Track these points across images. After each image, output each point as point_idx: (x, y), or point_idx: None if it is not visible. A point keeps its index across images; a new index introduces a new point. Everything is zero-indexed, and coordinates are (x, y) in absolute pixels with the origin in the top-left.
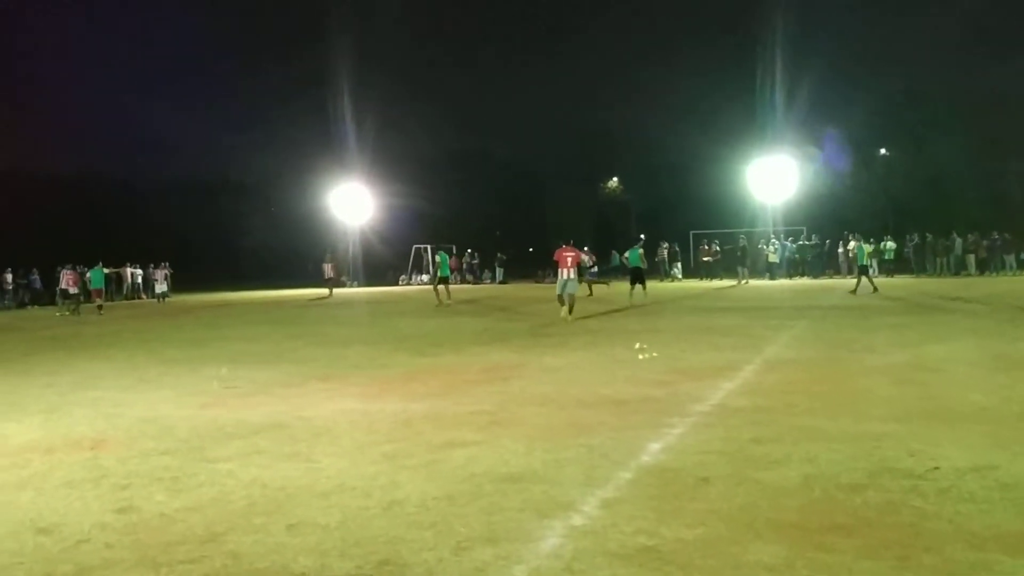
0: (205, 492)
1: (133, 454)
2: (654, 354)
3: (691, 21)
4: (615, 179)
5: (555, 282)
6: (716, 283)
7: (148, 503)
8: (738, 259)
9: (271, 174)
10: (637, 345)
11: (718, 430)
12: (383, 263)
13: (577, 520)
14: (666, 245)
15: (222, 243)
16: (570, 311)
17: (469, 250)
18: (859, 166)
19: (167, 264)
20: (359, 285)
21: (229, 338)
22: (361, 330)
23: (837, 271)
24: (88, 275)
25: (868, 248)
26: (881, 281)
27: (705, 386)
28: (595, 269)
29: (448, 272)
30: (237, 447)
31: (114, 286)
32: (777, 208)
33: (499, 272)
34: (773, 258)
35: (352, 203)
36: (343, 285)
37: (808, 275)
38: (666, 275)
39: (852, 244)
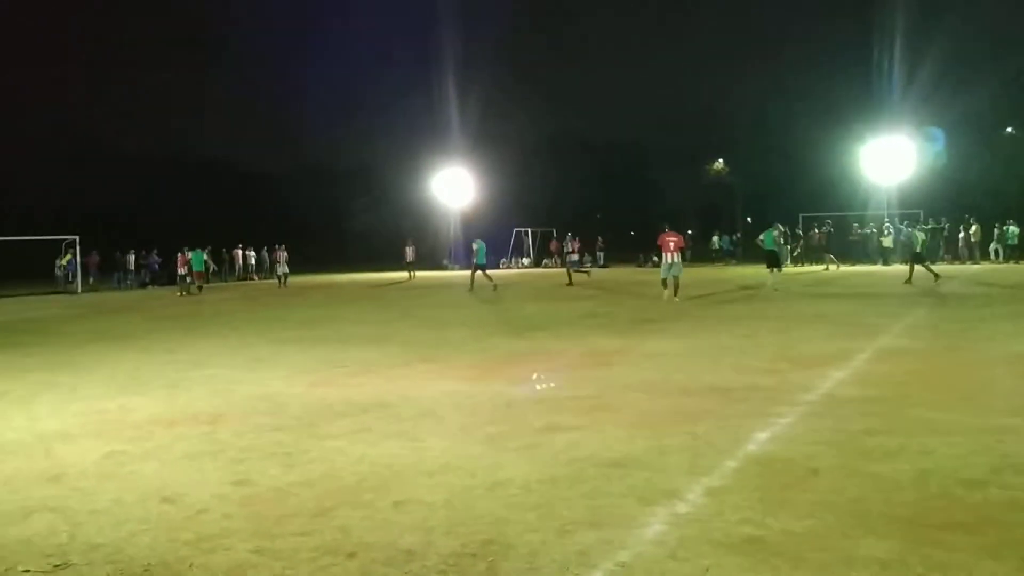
0: (316, 468)
1: (248, 429)
2: (551, 384)
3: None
4: (720, 160)
5: (657, 266)
6: (826, 268)
7: (263, 477)
8: (824, 246)
9: (378, 159)
10: (535, 375)
11: (828, 420)
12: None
13: (681, 508)
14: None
15: (332, 226)
16: (675, 293)
17: (569, 233)
18: (982, 146)
19: (283, 247)
20: (460, 268)
21: (337, 319)
22: (462, 312)
23: (956, 256)
24: (190, 257)
25: (921, 236)
26: (1006, 267)
27: (815, 375)
28: (576, 258)
29: (483, 260)
30: (346, 425)
31: (227, 267)
32: (892, 191)
33: (600, 256)
34: (887, 243)
35: (454, 187)
36: (444, 268)
37: (925, 261)
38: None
39: (973, 228)
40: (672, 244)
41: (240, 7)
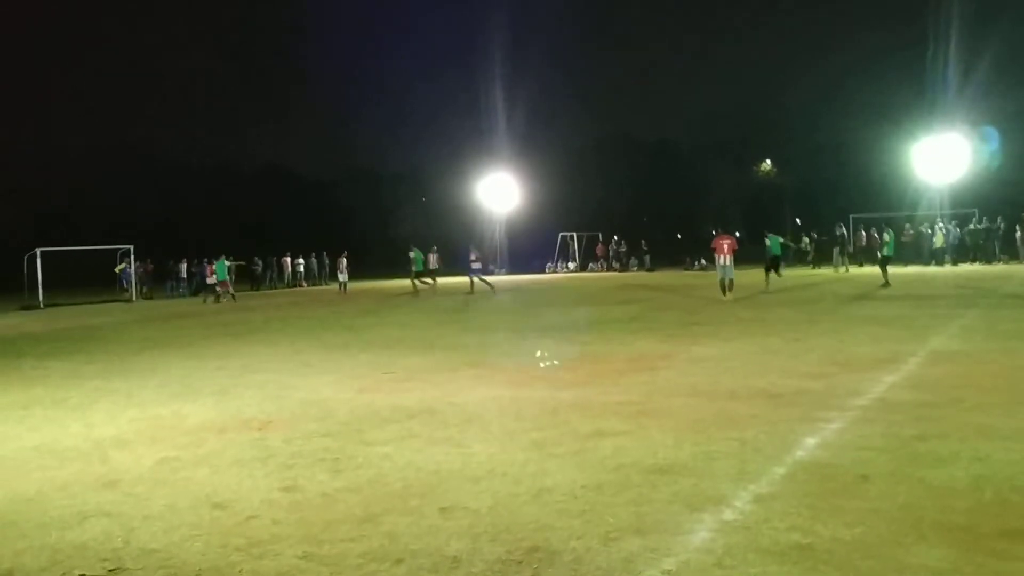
0: (363, 474)
1: (297, 435)
2: (555, 362)
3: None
4: (768, 161)
5: (704, 269)
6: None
7: (311, 483)
8: (835, 247)
9: (425, 165)
10: (539, 353)
11: (879, 426)
12: (528, 251)
13: (728, 514)
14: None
15: (380, 231)
16: (725, 292)
17: (615, 237)
18: None
19: (345, 254)
20: (505, 273)
21: (384, 324)
22: (508, 318)
23: (1014, 256)
24: (214, 267)
25: (940, 233)
26: None
27: (865, 379)
28: (479, 266)
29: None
30: (393, 431)
31: (275, 274)
32: (944, 190)
33: (646, 259)
34: (939, 243)
35: (499, 192)
36: (490, 273)
37: (980, 260)
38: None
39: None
40: (727, 247)
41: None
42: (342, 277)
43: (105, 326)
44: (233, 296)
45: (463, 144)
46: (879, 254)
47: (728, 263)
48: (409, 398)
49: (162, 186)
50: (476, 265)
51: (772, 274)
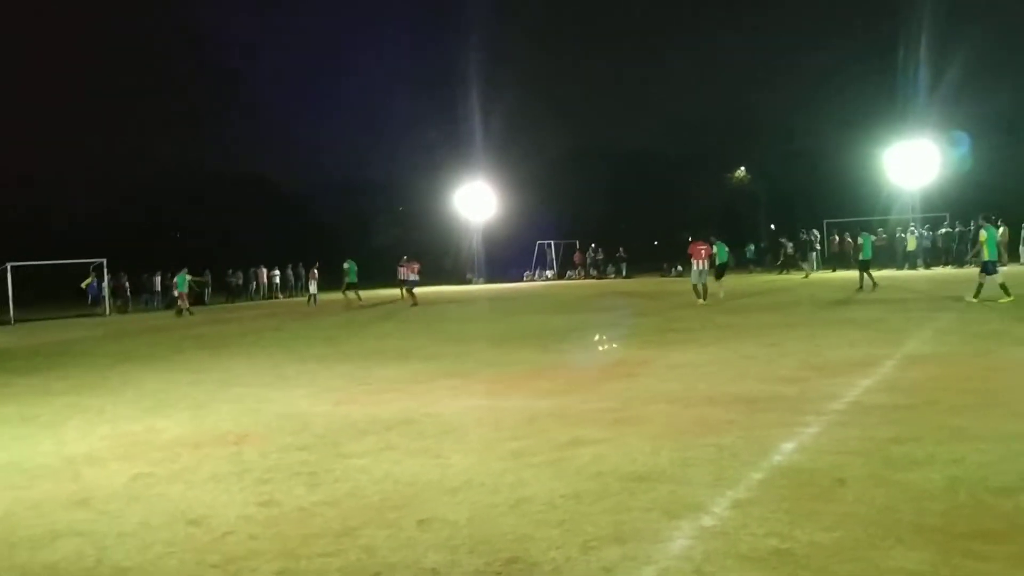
0: (340, 487)
1: (273, 449)
2: (613, 345)
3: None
4: (742, 168)
5: (681, 275)
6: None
7: (288, 497)
8: (801, 253)
9: (402, 175)
10: (597, 337)
11: (855, 429)
12: (506, 259)
13: (707, 521)
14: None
15: (357, 241)
16: (705, 297)
17: (593, 244)
18: (1008, 148)
19: (316, 266)
20: (483, 281)
21: (362, 336)
22: (486, 327)
23: None
24: (175, 280)
25: (912, 237)
26: None
27: (841, 383)
28: (415, 278)
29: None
30: (370, 443)
31: (253, 285)
32: (916, 195)
33: (622, 266)
34: (912, 246)
35: (476, 201)
36: (468, 282)
37: (952, 264)
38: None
39: (1001, 230)
40: (703, 252)
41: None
42: (312, 289)
43: (77, 341)
44: (190, 311)
45: (440, 153)
46: (857, 258)
47: (704, 268)
48: (386, 409)
49: (136, 197)
50: (412, 277)
51: (723, 280)
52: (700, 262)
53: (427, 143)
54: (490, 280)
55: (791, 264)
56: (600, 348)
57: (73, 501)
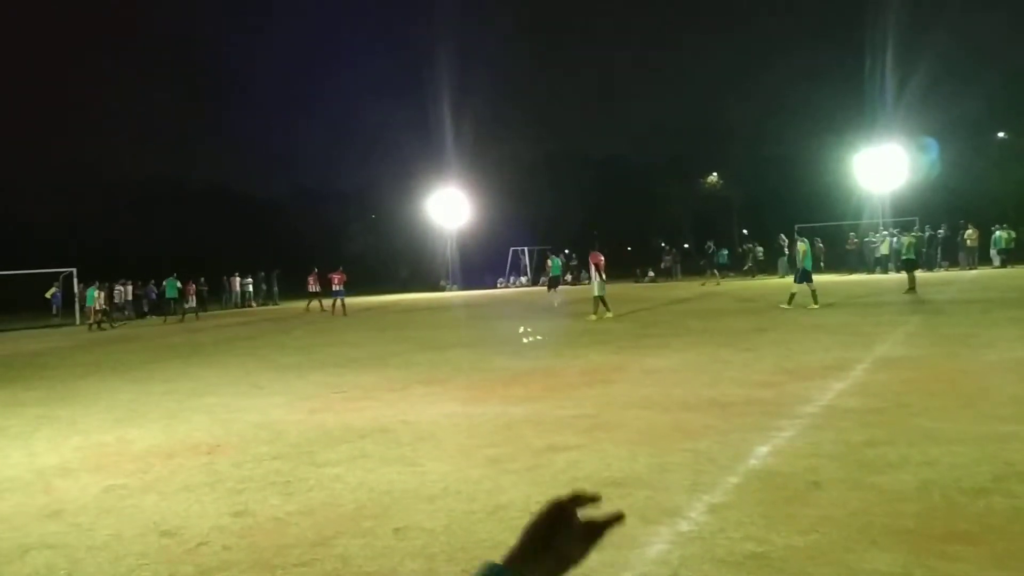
0: (315, 496)
1: (247, 459)
2: (538, 337)
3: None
4: (714, 174)
5: (654, 281)
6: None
7: (262, 507)
8: (708, 262)
9: (374, 182)
10: (521, 329)
11: (829, 432)
12: (480, 266)
13: (683, 526)
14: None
15: (329, 249)
16: (608, 309)
17: (566, 251)
18: (975, 152)
19: (276, 272)
20: (458, 288)
21: (335, 343)
22: (461, 334)
23: (954, 263)
24: (86, 294)
25: (908, 240)
26: (1000, 272)
27: (814, 386)
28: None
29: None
30: (345, 451)
31: (227, 294)
32: (886, 199)
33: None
34: (883, 250)
35: (449, 207)
36: (442, 289)
37: (922, 267)
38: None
39: (969, 232)
40: (603, 263)
41: (237, 35)
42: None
43: (47, 352)
44: (100, 325)
45: (412, 161)
46: (797, 266)
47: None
48: (361, 417)
49: (105, 206)
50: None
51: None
52: (601, 272)
53: (399, 150)
54: (464, 287)
55: (760, 270)
56: (574, 355)
57: (44, 513)
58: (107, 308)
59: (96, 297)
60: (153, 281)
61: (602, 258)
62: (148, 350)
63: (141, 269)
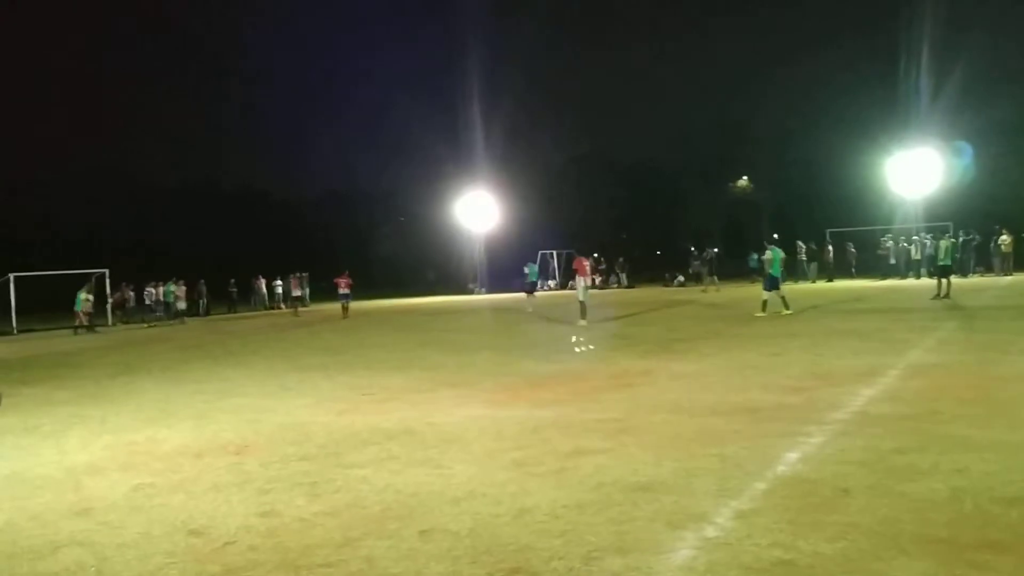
0: (341, 497)
1: (274, 459)
2: (591, 347)
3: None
4: (744, 178)
5: (683, 285)
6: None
7: (288, 507)
8: (708, 268)
9: (402, 185)
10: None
11: (858, 439)
12: (509, 269)
13: (710, 532)
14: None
15: (357, 252)
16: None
17: (595, 254)
18: (1011, 157)
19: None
20: (486, 291)
21: (363, 345)
22: (488, 337)
23: (989, 268)
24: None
25: (945, 244)
26: None
27: (844, 392)
28: (299, 293)
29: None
30: (371, 453)
31: (255, 296)
32: (919, 204)
33: (622, 276)
34: (916, 255)
35: (478, 211)
36: (471, 292)
37: (955, 273)
38: (803, 275)
39: (1004, 239)
40: (587, 268)
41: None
42: (296, 292)
43: (78, 351)
44: (87, 328)
45: (441, 163)
46: (765, 274)
47: (588, 284)
48: (388, 419)
49: (138, 209)
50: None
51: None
52: (585, 278)
53: (428, 152)
54: (492, 290)
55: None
56: (601, 359)
57: (74, 511)
58: (93, 312)
59: (84, 300)
60: (182, 282)
61: (587, 263)
62: (178, 351)
63: (173, 271)
